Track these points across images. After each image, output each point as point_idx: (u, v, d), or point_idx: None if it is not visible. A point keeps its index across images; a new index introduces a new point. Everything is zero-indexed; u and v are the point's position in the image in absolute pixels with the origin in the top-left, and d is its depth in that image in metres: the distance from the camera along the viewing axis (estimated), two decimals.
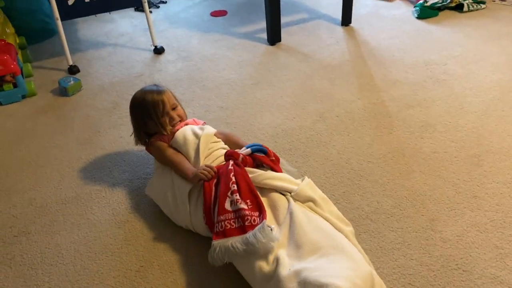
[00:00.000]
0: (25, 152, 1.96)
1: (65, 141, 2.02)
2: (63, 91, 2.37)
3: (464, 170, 1.69)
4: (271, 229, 1.23)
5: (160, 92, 1.65)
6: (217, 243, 1.27)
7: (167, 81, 2.44)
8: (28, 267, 1.41)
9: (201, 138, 1.57)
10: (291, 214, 1.29)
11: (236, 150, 1.49)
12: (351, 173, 1.71)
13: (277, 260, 1.18)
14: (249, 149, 1.48)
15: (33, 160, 1.91)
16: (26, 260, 1.44)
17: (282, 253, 1.20)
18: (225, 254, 1.25)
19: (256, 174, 1.39)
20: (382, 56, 2.58)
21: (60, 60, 2.73)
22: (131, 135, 1.75)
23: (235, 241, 1.25)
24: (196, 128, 1.63)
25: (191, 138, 1.58)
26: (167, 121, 1.63)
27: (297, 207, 1.31)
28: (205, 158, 1.54)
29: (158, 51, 2.77)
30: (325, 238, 1.21)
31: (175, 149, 1.59)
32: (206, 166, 1.45)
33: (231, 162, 1.42)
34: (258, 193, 1.34)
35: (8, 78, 2.29)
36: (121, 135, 2.03)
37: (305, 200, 1.34)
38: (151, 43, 2.80)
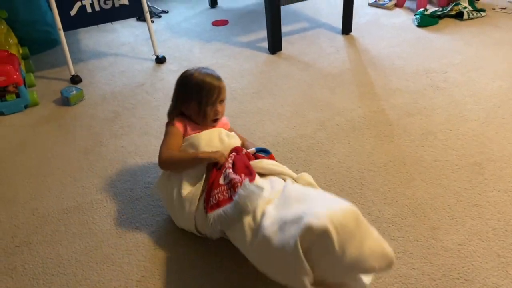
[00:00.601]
0: (27, 162, 1.97)
1: (67, 150, 2.03)
2: (65, 101, 2.39)
3: (465, 178, 1.69)
4: (257, 187, 1.26)
5: (219, 79, 1.58)
6: (211, 214, 1.31)
7: (168, 90, 2.45)
8: (30, 277, 1.42)
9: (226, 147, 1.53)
10: (286, 185, 1.33)
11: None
12: (352, 182, 1.71)
13: (263, 214, 1.20)
14: (253, 149, 1.55)
15: (35, 169, 1.92)
16: (27, 270, 1.44)
17: (269, 207, 1.23)
18: (218, 221, 1.29)
19: (259, 160, 1.46)
20: (383, 64, 2.59)
21: (63, 70, 2.75)
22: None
23: (226, 207, 1.28)
24: (224, 135, 1.57)
25: (216, 145, 1.53)
26: (211, 112, 1.56)
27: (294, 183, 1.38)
28: None
29: (160, 60, 2.79)
30: (316, 191, 1.29)
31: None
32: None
33: (233, 153, 1.48)
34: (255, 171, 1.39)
35: (11, 88, 2.31)
36: (123, 145, 2.04)
37: (305, 184, 1.39)
38: (153, 53, 2.82)
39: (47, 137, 2.14)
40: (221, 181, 1.37)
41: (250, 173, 1.37)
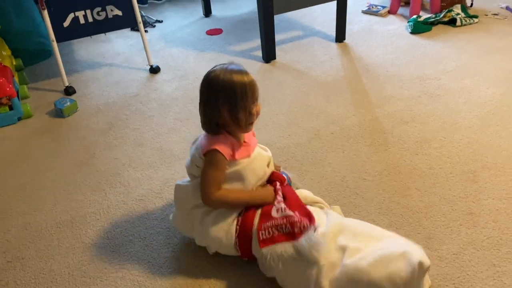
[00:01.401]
0: (21, 175, 1.96)
1: (60, 163, 2.02)
2: (59, 113, 2.38)
3: (460, 187, 1.68)
4: (322, 238, 1.26)
5: (248, 74, 1.33)
6: (266, 250, 1.28)
7: (163, 100, 2.45)
8: None
9: (270, 166, 1.49)
10: (330, 213, 1.38)
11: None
12: (346, 191, 1.71)
13: (342, 250, 1.24)
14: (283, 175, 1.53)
15: (28, 183, 1.91)
16: (19, 286, 1.43)
17: (342, 240, 1.26)
18: (279, 260, 1.27)
19: (299, 191, 1.47)
20: (376, 71, 2.60)
21: (56, 81, 2.74)
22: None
23: (285, 247, 1.26)
24: (267, 162, 1.49)
25: (262, 175, 1.44)
26: (245, 117, 1.33)
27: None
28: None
29: (154, 70, 2.79)
30: (372, 228, 1.34)
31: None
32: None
33: (277, 183, 1.44)
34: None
35: (4, 101, 2.30)
36: (116, 157, 2.03)
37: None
38: (147, 63, 2.81)
39: (41, 150, 2.12)
40: (273, 213, 1.34)
41: (308, 215, 1.32)
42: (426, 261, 1.17)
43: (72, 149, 2.11)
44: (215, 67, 1.35)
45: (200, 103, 1.36)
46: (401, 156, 1.87)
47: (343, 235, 1.28)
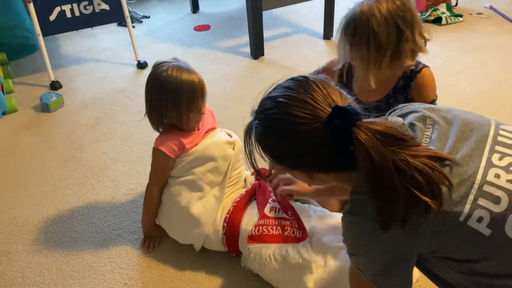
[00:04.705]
0: (6, 170, 1.93)
1: (47, 158, 1.99)
2: (45, 107, 2.35)
3: None
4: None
5: (197, 74, 1.32)
6: (252, 247, 1.28)
7: None
8: None
9: (236, 149, 1.45)
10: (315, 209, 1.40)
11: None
12: None
13: (327, 248, 1.26)
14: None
15: (14, 177, 1.88)
16: (6, 280, 1.41)
17: (327, 238, 1.28)
18: (258, 262, 1.27)
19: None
20: None
21: (42, 76, 2.70)
22: (144, 116, 1.39)
23: (272, 252, 1.26)
24: (227, 136, 1.48)
25: (229, 153, 1.43)
26: (195, 116, 1.35)
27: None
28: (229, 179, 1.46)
29: (142, 66, 2.76)
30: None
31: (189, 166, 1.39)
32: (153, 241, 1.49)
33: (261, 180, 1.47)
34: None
35: None
36: (104, 151, 2.01)
37: None
38: (134, 58, 2.79)
39: (27, 144, 2.09)
40: (266, 211, 1.34)
41: (297, 217, 1.34)
42: None
43: (58, 144, 2.08)
44: (161, 64, 1.32)
45: (147, 102, 1.35)
46: None
47: (329, 233, 1.29)
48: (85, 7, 2.53)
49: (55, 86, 2.55)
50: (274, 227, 1.30)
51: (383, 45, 1.20)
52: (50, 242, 1.55)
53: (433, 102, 1.36)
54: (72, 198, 1.74)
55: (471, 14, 3.30)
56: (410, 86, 1.35)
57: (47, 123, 2.26)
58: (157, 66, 1.33)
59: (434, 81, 1.37)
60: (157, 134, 1.41)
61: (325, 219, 1.35)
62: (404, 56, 1.24)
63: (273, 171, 1.41)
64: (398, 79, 1.37)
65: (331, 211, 1.41)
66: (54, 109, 2.35)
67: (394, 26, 1.19)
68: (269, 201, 1.37)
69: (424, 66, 1.37)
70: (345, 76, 1.44)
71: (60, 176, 1.87)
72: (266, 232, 1.30)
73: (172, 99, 1.30)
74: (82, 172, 1.88)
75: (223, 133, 1.50)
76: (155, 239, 1.49)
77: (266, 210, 1.34)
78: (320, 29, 3.06)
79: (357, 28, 1.21)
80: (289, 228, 1.30)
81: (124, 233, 1.56)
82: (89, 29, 3.02)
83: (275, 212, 1.34)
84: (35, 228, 1.61)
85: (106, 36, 3.26)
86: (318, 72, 1.47)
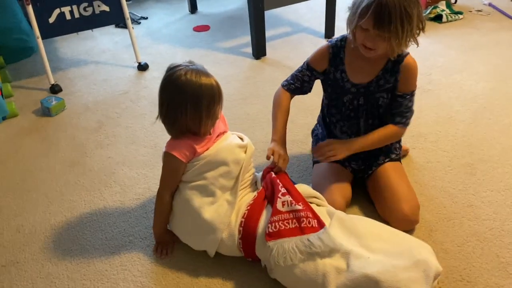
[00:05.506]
0: (10, 176, 1.89)
1: (51, 163, 1.95)
2: (46, 111, 2.31)
3: (458, 179, 1.70)
4: (335, 242, 1.24)
5: (213, 77, 1.30)
6: (273, 244, 1.26)
7: (153, 98, 2.40)
8: None
9: (247, 153, 1.42)
10: (332, 213, 1.34)
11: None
12: None
13: (346, 255, 1.21)
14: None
15: (18, 184, 1.84)
16: None
17: (347, 245, 1.23)
18: (284, 256, 1.24)
19: (298, 185, 1.44)
20: None
21: (41, 79, 2.65)
22: (156, 120, 1.38)
23: (294, 243, 1.24)
24: (238, 140, 1.45)
25: (241, 156, 1.39)
26: (212, 120, 1.34)
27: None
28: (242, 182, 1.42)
29: (142, 67, 2.73)
30: (379, 227, 1.33)
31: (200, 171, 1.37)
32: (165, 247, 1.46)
33: (272, 173, 1.43)
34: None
35: None
36: (109, 155, 1.97)
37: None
38: (135, 60, 2.75)
39: (29, 150, 2.05)
40: (279, 206, 1.31)
41: (309, 207, 1.32)
42: (439, 269, 1.18)
43: (62, 149, 2.04)
44: (178, 67, 1.29)
45: (162, 106, 1.33)
46: None
47: (349, 237, 1.27)
48: (85, 9, 2.49)
49: (55, 89, 2.51)
50: (290, 221, 1.29)
51: (413, 26, 1.30)
52: (59, 250, 1.51)
53: (413, 92, 1.49)
54: (80, 204, 1.71)
55: (470, 11, 3.30)
56: (399, 69, 1.45)
57: (49, 127, 2.22)
58: (172, 69, 1.30)
59: (417, 71, 1.47)
60: (163, 137, 1.38)
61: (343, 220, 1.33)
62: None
63: (273, 152, 1.44)
64: (386, 61, 1.45)
65: (336, 208, 1.40)
66: (56, 113, 2.31)
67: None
68: (279, 195, 1.34)
69: (407, 52, 1.45)
70: (337, 59, 1.52)
71: (66, 182, 1.83)
72: (283, 227, 1.28)
73: (193, 104, 1.28)
74: (88, 177, 1.85)
75: (235, 137, 1.47)
76: (168, 245, 1.46)
77: (279, 206, 1.32)
78: (321, 28, 3.04)
79: (392, 15, 1.25)
80: (304, 219, 1.28)
81: (135, 240, 1.53)
82: (87, 31, 2.98)
83: (287, 206, 1.31)
84: (43, 236, 1.58)
85: (104, 38, 3.21)
86: (309, 61, 1.63)
